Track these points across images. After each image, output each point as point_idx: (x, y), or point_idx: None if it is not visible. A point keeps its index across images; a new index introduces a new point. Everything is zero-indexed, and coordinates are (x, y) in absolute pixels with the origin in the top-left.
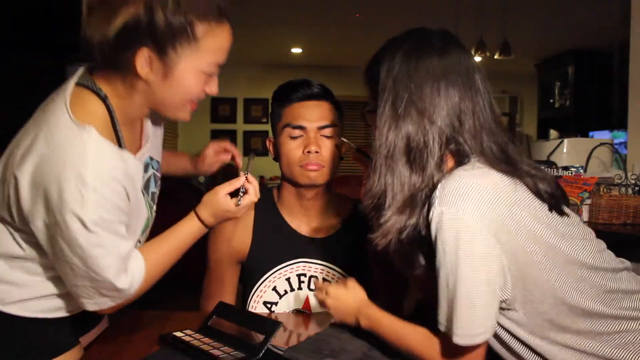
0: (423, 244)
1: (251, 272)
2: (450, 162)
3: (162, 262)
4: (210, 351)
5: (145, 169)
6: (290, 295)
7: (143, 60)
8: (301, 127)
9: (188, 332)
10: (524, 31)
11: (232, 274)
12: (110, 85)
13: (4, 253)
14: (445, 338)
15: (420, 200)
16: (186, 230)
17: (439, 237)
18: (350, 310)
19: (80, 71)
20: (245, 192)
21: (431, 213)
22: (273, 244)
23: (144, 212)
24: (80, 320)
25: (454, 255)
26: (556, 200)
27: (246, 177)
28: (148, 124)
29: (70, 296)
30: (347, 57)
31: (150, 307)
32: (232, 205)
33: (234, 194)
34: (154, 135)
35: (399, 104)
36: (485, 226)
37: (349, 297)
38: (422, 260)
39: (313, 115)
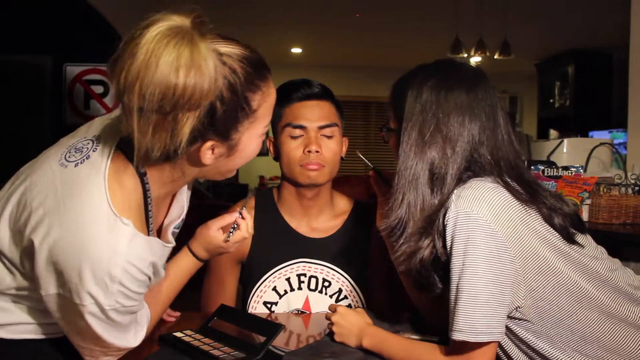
0: (438, 263)
1: (251, 272)
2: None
3: (163, 303)
4: (211, 351)
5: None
6: (290, 295)
7: (207, 150)
8: (302, 127)
9: (188, 332)
10: (524, 31)
11: (232, 274)
12: (156, 169)
13: None
14: (452, 343)
15: (437, 220)
16: (182, 266)
17: (452, 236)
18: (354, 329)
19: (118, 122)
20: (237, 228)
21: (446, 217)
22: (273, 244)
23: (160, 277)
24: None
25: (466, 254)
26: (568, 233)
27: (240, 212)
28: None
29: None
30: (347, 57)
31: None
32: (221, 241)
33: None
34: (184, 193)
35: (425, 130)
36: (499, 228)
37: (355, 317)
38: (438, 282)
39: (313, 115)
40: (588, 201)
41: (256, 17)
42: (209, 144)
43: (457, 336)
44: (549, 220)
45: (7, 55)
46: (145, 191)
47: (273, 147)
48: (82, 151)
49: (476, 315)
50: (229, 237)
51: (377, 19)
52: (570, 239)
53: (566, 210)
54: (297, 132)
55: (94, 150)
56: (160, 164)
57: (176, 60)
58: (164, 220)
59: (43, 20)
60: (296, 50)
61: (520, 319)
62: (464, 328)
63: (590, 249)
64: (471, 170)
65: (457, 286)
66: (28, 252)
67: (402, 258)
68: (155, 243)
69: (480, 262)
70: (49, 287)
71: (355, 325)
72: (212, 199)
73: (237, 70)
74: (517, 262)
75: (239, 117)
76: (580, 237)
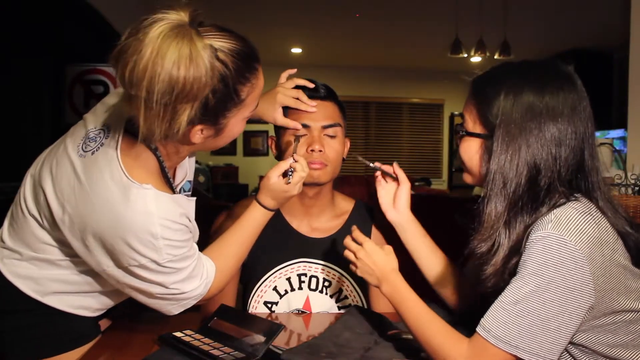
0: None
1: (252, 272)
2: (559, 198)
3: (236, 254)
4: (210, 351)
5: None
6: (291, 295)
7: (196, 132)
8: (305, 126)
9: (188, 332)
10: (524, 31)
11: None
12: (161, 145)
13: (46, 258)
14: (476, 340)
15: (527, 233)
16: (251, 218)
17: (540, 257)
18: (377, 271)
19: (124, 112)
20: (294, 170)
21: (535, 235)
22: (274, 243)
23: (196, 230)
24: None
25: (550, 280)
26: None
27: (293, 157)
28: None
29: (99, 297)
30: (347, 57)
31: (151, 308)
32: (284, 185)
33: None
34: (189, 161)
35: (527, 136)
36: (590, 264)
37: (382, 259)
38: None
39: (317, 115)
40: None
41: (256, 17)
42: (198, 127)
43: (485, 336)
44: (633, 253)
45: (8, 55)
46: (160, 162)
47: (275, 146)
48: (95, 140)
49: (525, 331)
50: (289, 180)
51: (376, 19)
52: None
53: (637, 232)
54: (301, 131)
55: (106, 138)
56: (162, 142)
57: (178, 59)
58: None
59: (43, 20)
60: (296, 50)
61: (570, 341)
62: (500, 335)
63: None
64: (574, 185)
65: (519, 303)
66: (66, 238)
67: (493, 275)
68: (180, 198)
69: (558, 293)
70: (107, 263)
71: (378, 267)
72: (211, 199)
73: (229, 64)
74: (593, 298)
75: (228, 106)
76: None
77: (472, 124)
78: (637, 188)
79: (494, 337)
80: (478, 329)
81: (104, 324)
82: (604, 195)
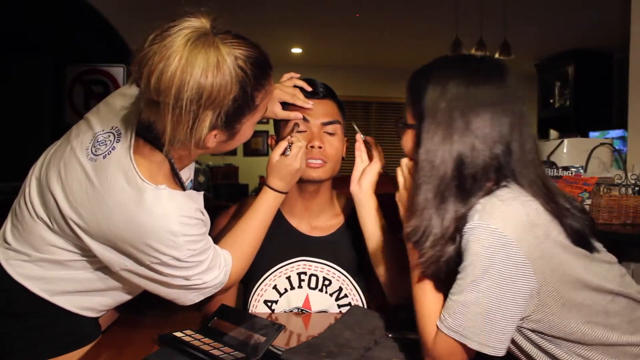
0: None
1: (252, 270)
2: (491, 186)
3: (253, 238)
4: (210, 351)
5: None
6: (291, 293)
7: (211, 137)
8: (305, 120)
9: (188, 332)
10: (524, 31)
11: None
12: (174, 147)
13: (55, 260)
14: (437, 329)
15: (461, 226)
16: (263, 202)
17: (472, 248)
18: None
19: (130, 111)
20: (292, 144)
21: (468, 225)
22: (273, 242)
23: (208, 221)
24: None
25: (482, 269)
26: (583, 238)
27: (290, 134)
28: None
29: (115, 295)
30: (347, 57)
31: (150, 308)
32: (287, 159)
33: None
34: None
35: (452, 126)
36: (523, 248)
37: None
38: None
39: (317, 112)
40: (588, 201)
41: (256, 17)
42: (214, 132)
43: (440, 327)
44: (570, 234)
45: (8, 55)
46: (172, 164)
47: (275, 144)
48: (106, 144)
49: (472, 321)
50: (288, 152)
51: (377, 19)
52: (589, 248)
53: (584, 218)
54: (300, 127)
55: (117, 141)
56: (178, 145)
57: (206, 67)
58: None
59: (43, 20)
60: (296, 50)
61: (525, 327)
62: (452, 325)
63: (604, 254)
64: (501, 172)
65: (462, 291)
66: (82, 241)
67: (429, 262)
68: (192, 194)
69: (500, 283)
70: (127, 263)
71: None
72: (212, 199)
73: (249, 72)
74: (535, 281)
75: (244, 112)
76: (596, 244)
77: (408, 116)
78: (637, 188)
79: (446, 327)
80: (438, 322)
81: (105, 319)
82: (538, 180)
